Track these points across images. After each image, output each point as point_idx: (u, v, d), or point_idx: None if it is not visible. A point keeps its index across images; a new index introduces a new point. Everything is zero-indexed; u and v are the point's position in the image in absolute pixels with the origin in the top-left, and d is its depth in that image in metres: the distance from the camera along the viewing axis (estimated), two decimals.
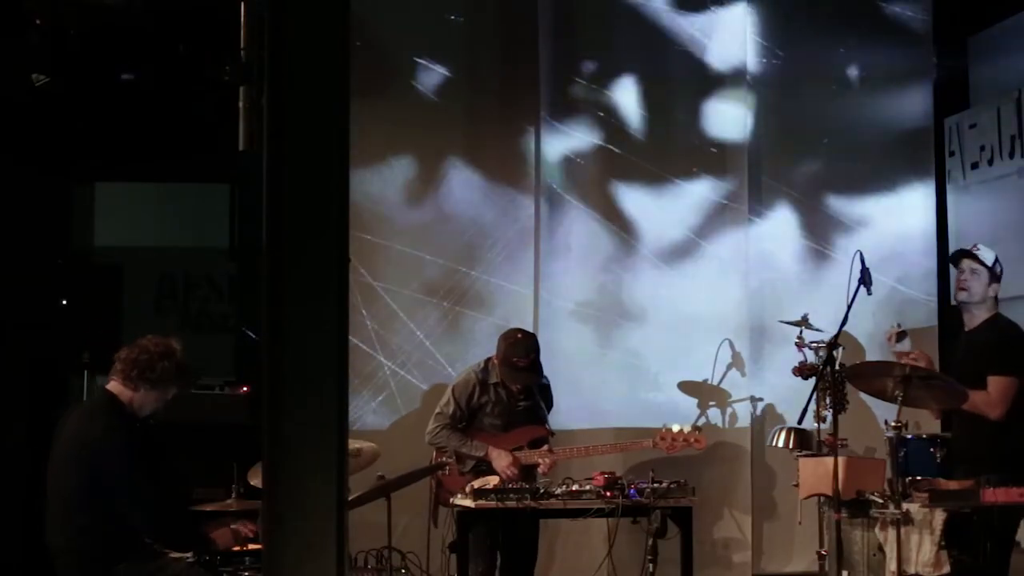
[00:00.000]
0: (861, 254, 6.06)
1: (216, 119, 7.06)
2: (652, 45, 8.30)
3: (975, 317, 6.16)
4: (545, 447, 6.92)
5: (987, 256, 6.15)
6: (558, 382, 7.23)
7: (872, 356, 7.82)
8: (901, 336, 6.24)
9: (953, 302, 6.46)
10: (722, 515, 8.18)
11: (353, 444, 6.16)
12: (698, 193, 8.33)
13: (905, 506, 5.54)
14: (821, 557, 6.80)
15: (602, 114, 8.27)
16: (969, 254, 6.24)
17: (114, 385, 5.48)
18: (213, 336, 9.02)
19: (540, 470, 6.84)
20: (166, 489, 5.88)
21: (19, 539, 7.20)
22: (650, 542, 6.37)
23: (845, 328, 6.23)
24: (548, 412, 7.09)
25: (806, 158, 8.48)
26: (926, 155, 8.55)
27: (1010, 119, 8.07)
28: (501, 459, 6.80)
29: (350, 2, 3.44)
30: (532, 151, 8.14)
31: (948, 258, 6.65)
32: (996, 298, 6.16)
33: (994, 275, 6.12)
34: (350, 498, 3.96)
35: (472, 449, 6.83)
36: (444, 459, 6.86)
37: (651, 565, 6.38)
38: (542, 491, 6.42)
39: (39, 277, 7.75)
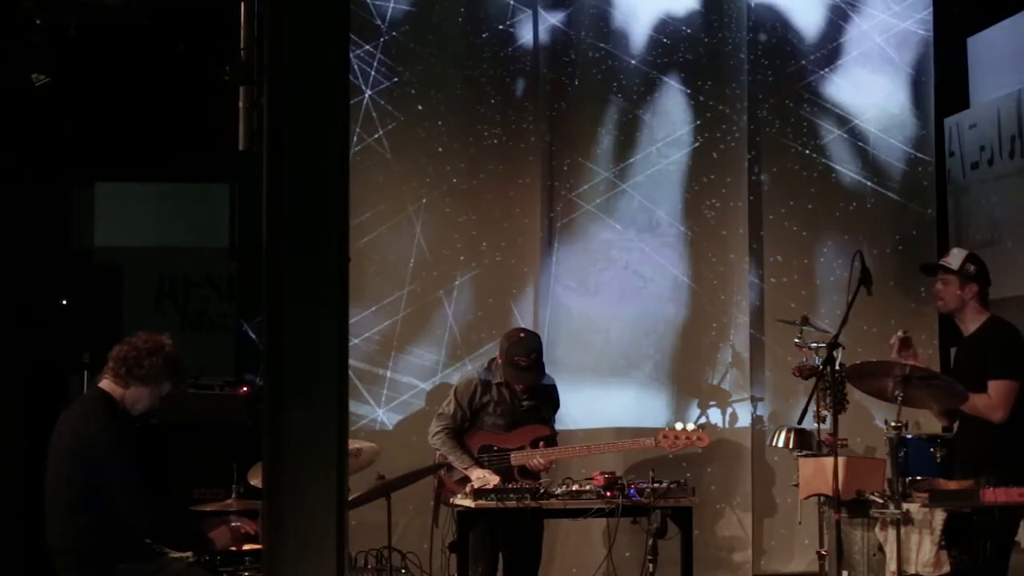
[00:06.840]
0: (861, 254, 6.04)
1: (216, 119, 7.05)
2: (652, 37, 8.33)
3: (967, 323, 6.14)
4: (547, 446, 6.90)
5: (954, 261, 6.11)
6: (559, 381, 7.22)
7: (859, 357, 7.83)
8: (906, 344, 6.20)
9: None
10: (722, 515, 8.18)
11: (353, 444, 6.16)
12: (699, 192, 8.33)
13: (905, 506, 5.54)
14: (821, 557, 6.79)
15: (602, 108, 8.28)
16: (933, 268, 6.23)
17: (106, 383, 5.47)
18: (213, 336, 9.02)
19: (534, 468, 6.80)
20: (166, 489, 5.87)
21: (20, 539, 7.20)
22: (650, 542, 6.36)
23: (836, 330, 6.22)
24: (555, 412, 7.06)
25: (806, 157, 8.48)
26: (926, 155, 8.54)
27: (1010, 119, 8.07)
28: (479, 481, 6.63)
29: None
30: (535, 150, 8.15)
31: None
32: (982, 298, 6.10)
33: (966, 276, 6.07)
34: (350, 498, 3.96)
35: (459, 462, 6.78)
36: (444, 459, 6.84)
37: (651, 565, 6.37)
38: (542, 491, 6.40)
39: (39, 277, 7.74)
